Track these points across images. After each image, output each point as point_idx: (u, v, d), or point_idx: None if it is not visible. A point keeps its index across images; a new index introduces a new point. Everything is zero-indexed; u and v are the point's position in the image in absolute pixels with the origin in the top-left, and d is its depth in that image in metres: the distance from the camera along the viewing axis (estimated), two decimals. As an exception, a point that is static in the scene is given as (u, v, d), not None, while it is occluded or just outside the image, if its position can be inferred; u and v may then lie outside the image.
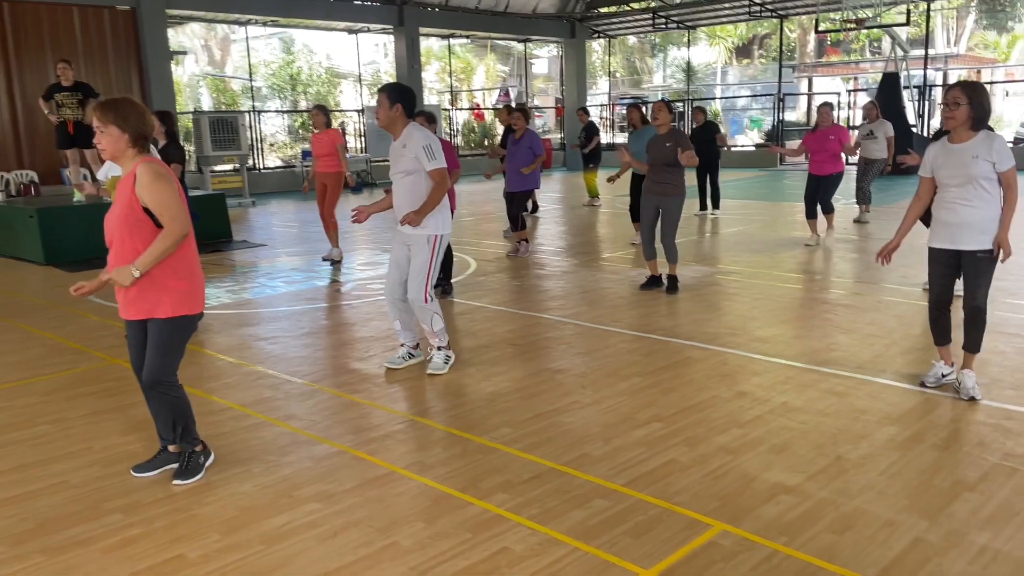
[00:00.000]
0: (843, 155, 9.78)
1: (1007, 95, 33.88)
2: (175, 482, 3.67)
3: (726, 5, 23.68)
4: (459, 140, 26.53)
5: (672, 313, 6.77)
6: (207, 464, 3.81)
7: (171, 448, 3.80)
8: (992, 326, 5.90)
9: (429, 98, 23.76)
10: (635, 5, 24.73)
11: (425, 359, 5.38)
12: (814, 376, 5.04)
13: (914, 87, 21.16)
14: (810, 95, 30.50)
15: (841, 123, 25.68)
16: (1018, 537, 3.11)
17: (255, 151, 20.15)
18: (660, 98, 7.95)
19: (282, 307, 7.41)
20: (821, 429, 4.21)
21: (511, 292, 7.79)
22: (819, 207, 9.88)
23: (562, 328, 6.36)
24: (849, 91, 29.30)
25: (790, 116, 28.56)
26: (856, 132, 11.26)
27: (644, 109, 10.50)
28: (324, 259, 9.61)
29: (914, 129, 20.26)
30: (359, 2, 20.26)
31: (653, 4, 24.40)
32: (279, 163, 23.47)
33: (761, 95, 31.82)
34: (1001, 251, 4.41)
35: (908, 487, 3.54)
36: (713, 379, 5.04)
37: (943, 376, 4.75)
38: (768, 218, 12.82)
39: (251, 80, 21.71)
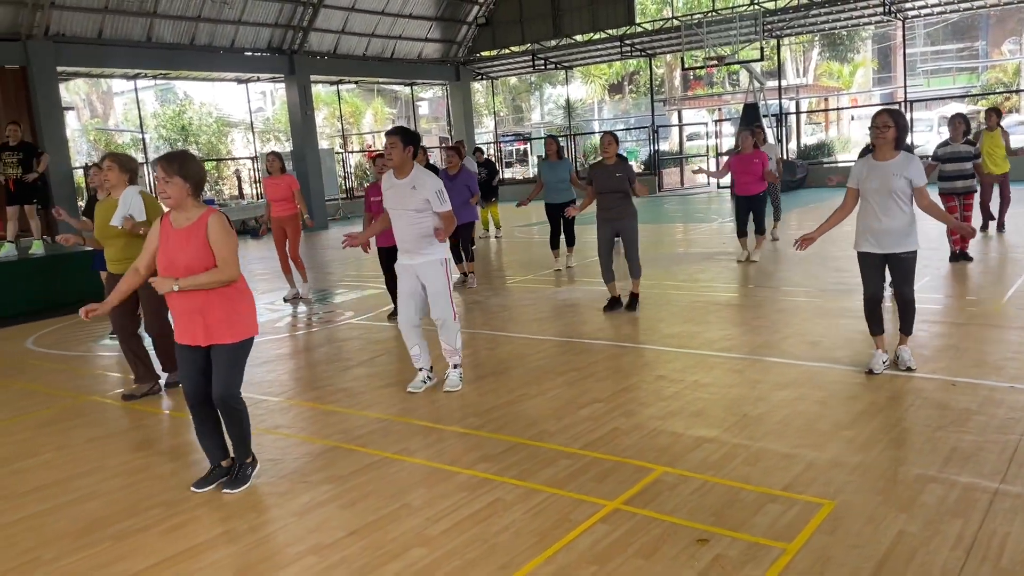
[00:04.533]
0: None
1: (852, 119, 37.32)
2: (225, 491, 4.07)
3: (599, 46, 25.39)
4: (352, 182, 27.07)
5: (591, 321, 7.69)
6: (253, 474, 4.20)
7: (223, 463, 4.23)
8: (855, 311, 7.11)
9: (321, 143, 24.28)
10: (515, 48, 26.14)
11: (441, 378, 5.81)
12: (717, 360, 6.04)
13: (771, 115, 23.30)
14: (680, 126, 32.74)
15: (710, 151, 27.90)
16: (885, 455, 4.11)
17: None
18: (606, 131, 8.48)
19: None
20: (727, 397, 5.18)
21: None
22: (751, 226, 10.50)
23: (496, 340, 7.16)
24: (715, 121, 31.64)
25: (663, 146, 30.57)
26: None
27: (561, 142, 11.18)
28: (286, 300, 9.94)
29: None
30: (250, 53, 20.67)
31: (531, 47, 25.87)
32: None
33: (635, 128, 33.88)
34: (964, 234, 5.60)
35: (798, 431, 4.51)
36: (635, 368, 5.97)
37: (884, 363, 5.45)
38: (656, 238, 14.08)
39: (143, 133, 21.67)
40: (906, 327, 5.46)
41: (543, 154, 11.69)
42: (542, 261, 11.94)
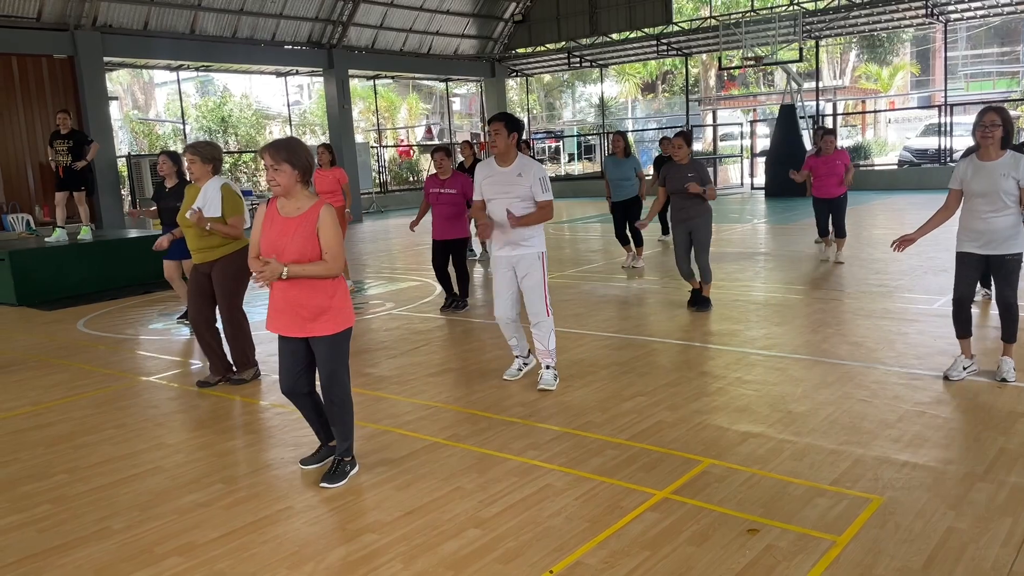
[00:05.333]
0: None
1: (889, 122, 36.92)
2: (322, 484, 4.01)
3: (635, 44, 25.36)
4: (387, 176, 27.33)
5: (631, 317, 7.75)
6: (351, 473, 4.12)
7: (331, 443, 4.23)
8: (896, 313, 7.15)
9: (356, 136, 24.49)
10: (550, 45, 26.20)
11: (536, 371, 5.73)
12: (758, 358, 6.08)
13: (808, 117, 23.14)
14: (715, 126, 32.60)
15: (744, 151, 27.76)
16: (931, 454, 4.14)
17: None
18: (679, 131, 8.39)
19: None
20: (771, 394, 5.23)
21: (490, 307, 8.64)
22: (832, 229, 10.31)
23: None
24: (750, 122, 31.48)
25: (697, 146, 30.48)
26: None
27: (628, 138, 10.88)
28: None
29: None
30: (290, 47, 20.92)
31: (567, 44, 25.90)
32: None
33: (668, 127, 33.79)
34: None
35: (844, 428, 4.55)
36: (678, 364, 6.03)
37: (964, 368, 5.34)
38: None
39: (184, 123, 22.03)
40: (1008, 334, 5.29)
41: (609, 150, 11.60)
42: (578, 258, 12.02)
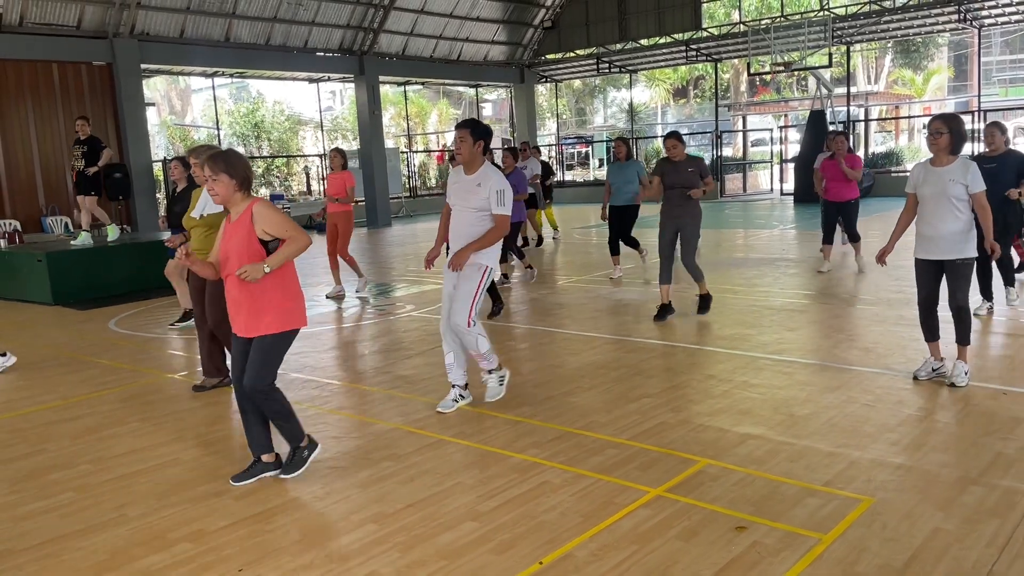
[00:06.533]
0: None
1: (924, 128, 36.34)
2: (281, 476, 4.18)
3: (664, 50, 25.38)
4: (416, 181, 27.64)
5: (645, 321, 7.83)
6: (312, 457, 4.26)
7: (264, 458, 4.28)
8: (911, 320, 7.16)
9: (387, 142, 24.83)
10: (580, 51, 26.31)
11: (482, 382, 5.44)
12: (767, 362, 6.14)
13: (839, 122, 22.98)
14: (744, 131, 32.46)
15: (774, 157, 27.59)
16: (928, 457, 4.19)
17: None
18: (670, 131, 8.36)
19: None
20: (776, 397, 5.30)
21: (507, 311, 8.78)
22: (835, 234, 10.26)
23: (551, 336, 7.38)
24: (780, 127, 31.27)
25: (727, 152, 30.35)
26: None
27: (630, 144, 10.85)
28: (328, 296, 10.05)
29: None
30: (321, 53, 21.29)
31: (596, 50, 26.00)
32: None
33: (699, 132, 33.71)
34: (992, 252, 5.31)
35: (844, 432, 4.61)
36: (686, 367, 6.12)
37: (934, 370, 5.47)
38: (715, 243, 14.11)
39: (218, 129, 22.49)
40: (960, 337, 5.38)
41: (611, 157, 11.64)
42: (602, 262, 12.10)
